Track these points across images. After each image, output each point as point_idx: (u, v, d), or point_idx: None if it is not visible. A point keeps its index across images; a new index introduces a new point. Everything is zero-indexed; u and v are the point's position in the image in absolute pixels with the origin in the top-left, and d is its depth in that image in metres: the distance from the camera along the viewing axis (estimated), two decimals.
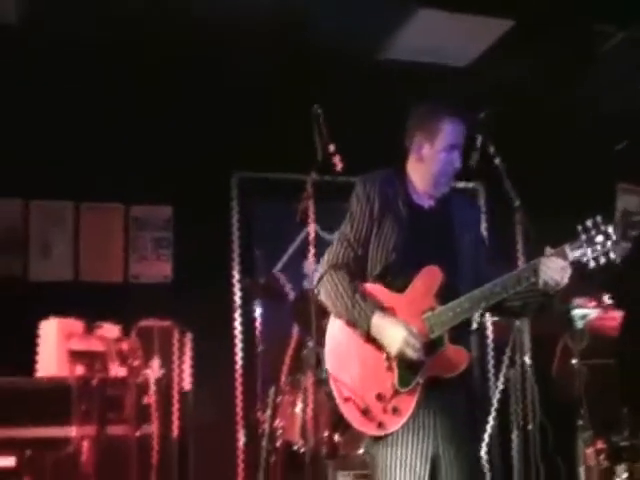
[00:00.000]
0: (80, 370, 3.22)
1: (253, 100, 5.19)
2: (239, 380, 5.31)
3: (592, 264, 2.55)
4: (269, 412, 4.10)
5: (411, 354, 2.51)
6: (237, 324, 5.37)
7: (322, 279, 2.69)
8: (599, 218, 2.56)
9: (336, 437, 4.19)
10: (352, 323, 2.59)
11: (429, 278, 2.58)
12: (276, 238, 5.50)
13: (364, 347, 2.59)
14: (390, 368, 2.55)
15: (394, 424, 2.51)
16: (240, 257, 5.45)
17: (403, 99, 5.24)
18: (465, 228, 2.74)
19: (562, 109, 5.52)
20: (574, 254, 2.55)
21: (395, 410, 2.51)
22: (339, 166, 3.51)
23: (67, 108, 5.01)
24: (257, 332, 4.87)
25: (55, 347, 3.21)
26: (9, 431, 3.12)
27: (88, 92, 4.98)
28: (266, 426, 4.23)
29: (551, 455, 4.18)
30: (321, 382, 4.20)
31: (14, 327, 4.40)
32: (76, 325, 3.32)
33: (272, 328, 4.97)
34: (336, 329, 2.66)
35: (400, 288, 2.61)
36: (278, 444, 4.26)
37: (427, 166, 2.73)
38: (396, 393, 2.52)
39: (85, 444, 3.05)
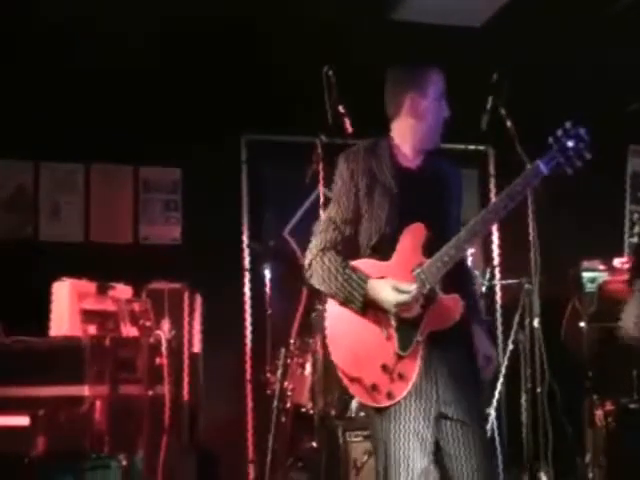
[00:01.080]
0: (93, 330, 3.24)
1: (262, 60, 5.15)
2: (248, 342, 5.34)
3: (570, 171, 2.59)
4: (279, 373, 4.13)
5: (406, 312, 2.51)
6: (246, 287, 5.39)
7: (312, 265, 2.66)
8: (568, 124, 2.60)
9: (346, 398, 4.25)
10: (347, 300, 2.57)
11: (413, 235, 2.58)
12: (285, 201, 5.49)
13: (362, 323, 2.58)
14: (389, 336, 2.55)
15: (402, 390, 2.52)
16: (249, 219, 5.45)
17: (415, 61, 5.27)
18: (449, 185, 2.76)
19: (573, 71, 5.46)
20: (548, 167, 2.58)
21: (401, 376, 2.52)
22: (349, 128, 3.50)
23: (77, 70, 4.99)
24: (266, 295, 4.88)
25: (68, 307, 3.23)
26: (23, 390, 3.15)
27: (97, 55, 4.95)
28: (276, 387, 4.26)
29: (559, 418, 4.21)
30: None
31: (25, 287, 4.44)
32: (89, 286, 3.33)
33: (281, 291, 4.99)
34: (333, 315, 2.64)
35: (389, 255, 2.60)
36: (287, 405, 4.30)
37: (426, 120, 2.71)
38: (399, 359, 2.53)
39: (98, 403, 3.07)
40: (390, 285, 2.53)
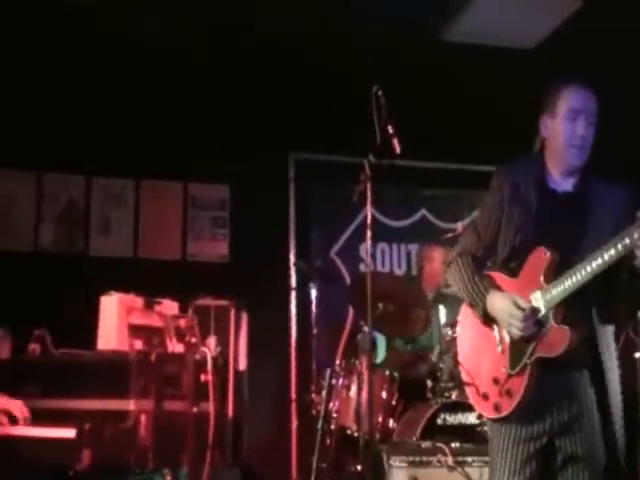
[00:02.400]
0: (139, 345, 3.25)
1: (311, 80, 5.16)
2: (293, 361, 5.32)
3: None
4: (324, 394, 4.09)
5: (515, 329, 2.56)
6: (292, 305, 5.37)
7: (450, 266, 2.80)
8: None
9: (390, 423, 4.19)
10: (472, 305, 2.70)
11: (536, 259, 2.61)
12: (333, 221, 5.49)
13: (483, 331, 2.69)
14: (503, 351, 2.62)
15: (508, 406, 2.58)
16: (296, 239, 5.45)
17: (465, 82, 5.24)
18: (606, 210, 2.69)
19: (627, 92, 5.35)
20: None
21: (508, 393, 2.58)
22: (398, 149, 3.47)
23: (130, 88, 5.07)
24: (312, 314, 4.85)
25: (115, 321, 3.24)
26: (70, 402, 3.17)
27: (150, 73, 5.02)
28: (321, 408, 4.22)
29: None
30: (375, 367, 4.21)
31: (74, 300, 4.49)
32: (136, 300, 3.35)
33: (327, 311, 4.96)
34: (463, 315, 2.80)
35: (516, 273, 2.67)
36: (332, 427, 4.25)
37: (554, 141, 2.71)
38: (509, 376, 2.59)
39: (143, 418, 3.07)
40: (509, 300, 2.59)
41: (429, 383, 4.14)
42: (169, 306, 3.47)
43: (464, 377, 2.75)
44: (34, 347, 3.51)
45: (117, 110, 5.08)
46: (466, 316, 2.79)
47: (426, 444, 3.70)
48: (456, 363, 2.88)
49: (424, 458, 3.58)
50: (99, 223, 5.26)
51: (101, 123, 5.07)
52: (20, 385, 3.32)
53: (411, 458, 3.58)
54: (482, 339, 2.69)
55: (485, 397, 2.63)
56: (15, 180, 5.18)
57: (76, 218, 5.21)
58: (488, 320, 2.66)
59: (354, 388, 4.23)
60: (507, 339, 2.61)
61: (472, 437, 3.76)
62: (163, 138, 5.12)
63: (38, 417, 3.16)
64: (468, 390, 2.71)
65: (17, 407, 3.07)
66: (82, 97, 5.04)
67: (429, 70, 5.15)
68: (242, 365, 4.54)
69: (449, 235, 4.52)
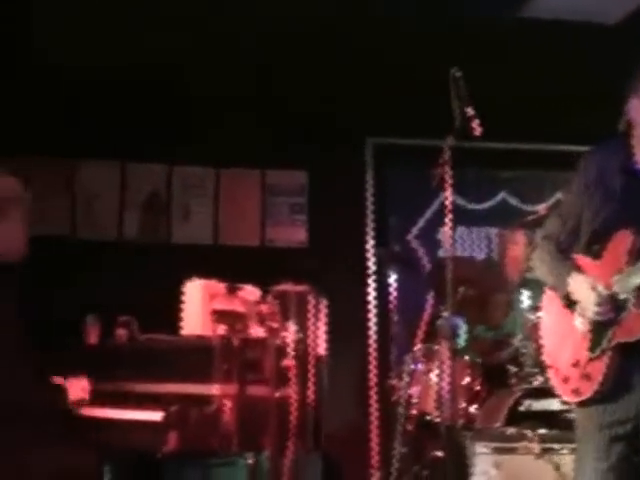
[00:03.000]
0: (222, 330, 3.28)
1: (389, 62, 5.11)
2: (373, 347, 5.31)
3: None
4: (405, 379, 4.07)
5: (593, 313, 2.55)
6: (371, 291, 5.36)
7: (534, 250, 2.82)
8: None
9: (472, 409, 4.14)
10: (554, 288, 2.71)
11: (619, 242, 2.58)
12: (410, 205, 5.44)
13: (564, 313, 2.67)
14: (584, 334, 2.60)
15: (587, 390, 2.57)
16: (374, 224, 5.43)
17: (544, 60, 5.10)
18: None
19: None
20: None
21: (588, 376, 2.56)
22: (477, 130, 3.40)
23: (204, 77, 5.12)
24: (391, 300, 4.83)
25: (199, 307, 3.29)
26: (156, 387, 3.23)
27: (221, 62, 5.07)
28: (402, 393, 4.20)
29: None
30: (456, 353, 4.16)
31: (159, 287, 4.58)
32: (219, 286, 3.39)
33: (406, 296, 4.93)
34: (546, 299, 2.80)
35: (599, 256, 2.65)
36: (413, 412, 4.23)
37: None
38: (589, 359, 2.57)
39: (226, 402, 3.11)
40: (588, 283, 2.58)
41: (512, 369, 4.07)
42: (251, 292, 3.50)
43: (545, 359, 2.74)
44: (121, 333, 3.59)
45: (195, 100, 5.15)
46: (549, 300, 2.77)
47: (511, 430, 3.64)
48: (539, 347, 2.82)
49: (509, 445, 3.53)
50: (180, 212, 5.36)
51: (180, 113, 5.15)
52: (108, 369, 3.41)
53: (496, 445, 3.53)
54: (564, 322, 2.67)
55: (565, 380, 2.62)
56: (99, 171, 5.32)
57: (158, 207, 5.33)
58: (570, 303, 2.65)
59: (435, 374, 4.20)
60: (588, 323, 2.59)
61: (558, 423, 3.68)
62: (241, 126, 5.16)
63: (125, 400, 3.24)
64: (549, 373, 2.71)
65: (79, 388, 3.12)
66: (162, 89, 5.12)
67: (508, 48, 5.04)
68: (321, 351, 4.55)
69: (531, 218, 4.42)
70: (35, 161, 5.00)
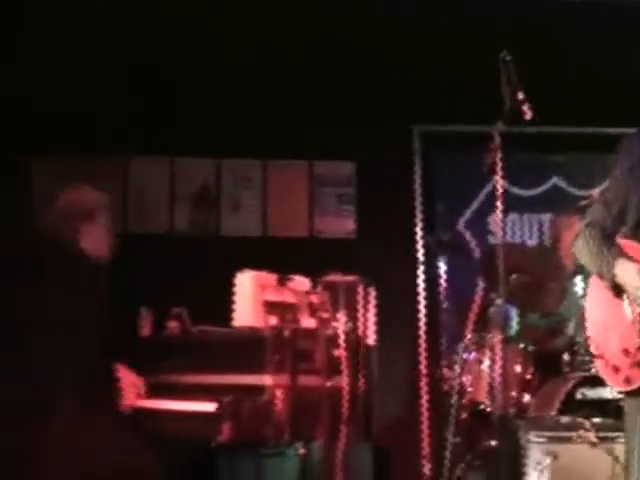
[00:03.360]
0: (273, 321, 3.31)
1: (433, 48, 5.06)
2: (423, 336, 5.28)
3: None
4: (458, 368, 4.04)
5: None
6: (420, 280, 5.33)
7: (577, 238, 2.76)
8: None
9: (525, 398, 4.10)
10: (600, 275, 2.65)
11: None
12: (459, 193, 5.38)
13: (612, 301, 2.63)
14: (634, 321, 2.56)
15: (638, 378, 2.53)
16: (423, 212, 5.38)
17: (598, 42, 5.00)
18: None
19: None
20: None
21: (639, 364, 2.52)
22: (529, 115, 3.35)
23: (251, 70, 5.14)
24: (441, 288, 4.79)
25: (251, 298, 3.31)
26: (209, 378, 3.27)
27: (268, 53, 5.08)
28: (454, 382, 4.18)
29: None
30: (508, 341, 4.12)
31: (209, 279, 4.63)
32: (269, 278, 3.40)
33: (456, 284, 4.89)
34: (592, 287, 2.75)
35: None
36: (464, 401, 4.20)
37: None
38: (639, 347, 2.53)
39: (278, 393, 3.13)
40: (636, 268, 2.54)
41: (566, 357, 4.02)
42: (301, 282, 3.51)
43: (593, 350, 2.69)
44: (173, 325, 3.63)
45: (242, 93, 5.17)
46: (595, 288, 2.72)
47: (566, 419, 3.59)
48: (587, 337, 2.77)
49: (564, 434, 3.48)
50: (230, 204, 5.40)
51: (228, 107, 5.17)
52: (161, 361, 3.46)
53: (550, 434, 3.49)
54: (612, 310, 2.62)
55: (616, 369, 2.57)
56: (150, 165, 5.40)
57: (208, 200, 5.38)
58: (618, 290, 2.59)
59: (486, 362, 4.16)
60: (637, 309, 2.54)
61: (614, 412, 3.62)
62: (286, 118, 5.17)
63: (179, 392, 3.28)
64: (597, 363, 2.66)
65: (134, 382, 3.19)
66: (208, 83, 5.15)
67: (557, 30, 4.94)
68: (371, 341, 4.54)
69: (585, 202, 4.33)
70: (88, 160, 5.10)
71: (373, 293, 4.61)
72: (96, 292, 3.06)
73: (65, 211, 3.22)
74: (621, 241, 2.65)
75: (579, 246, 2.73)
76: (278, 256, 4.74)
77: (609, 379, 2.63)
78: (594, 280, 2.72)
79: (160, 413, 3.21)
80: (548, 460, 3.57)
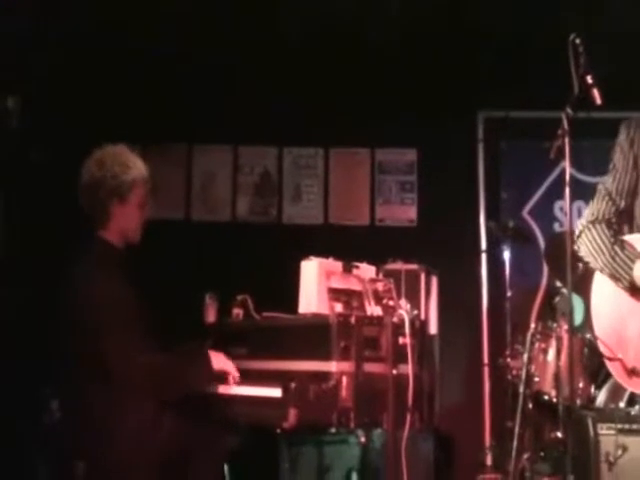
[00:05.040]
0: (339, 308, 3.30)
1: (498, 32, 4.99)
2: (485, 325, 5.23)
3: None
4: (525, 357, 3.99)
5: None
6: (483, 268, 5.28)
7: (581, 235, 2.64)
8: None
9: (592, 389, 4.02)
10: (614, 277, 2.52)
11: None
12: (524, 180, 5.32)
13: (628, 302, 2.53)
14: None
15: None
16: (486, 200, 5.34)
17: None
18: None
19: None
20: None
21: None
22: (598, 100, 3.26)
23: (313, 59, 5.15)
24: (505, 276, 4.73)
25: (316, 285, 3.30)
26: (276, 364, 3.28)
27: (334, 43, 5.06)
28: (518, 372, 4.13)
29: None
30: (575, 331, 4.04)
31: (270, 266, 4.67)
32: (335, 265, 3.40)
33: (520, 272, 4.83)
34: (600, 286, 2.61)
35: None
36: (528, 391, 4.15)
37: None
38: None
39: (344, 379, 3.13)
40: None
41: None
42: (366, 270, 3.50)
43: (605, 352, 2.58)
44: (237, 312, 3.66)
45: (304, 80, 5.18)
46: (603, 286, 2.60)
47: (636, 411, 3.50)
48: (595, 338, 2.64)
49: (634, 426, 3.39)
50: (291, 192, 5.42)
51: (289, 96, 5.19)
52: (227, 347, 3.49)
53: (620, 426, 3.38)
54: (628, 310, 2.52)
55: (634, 372, 2.50)
56: (213, 154, 5.45)
57: (270, 188, 5.41)
58: (636, 291, 2.48)
59: (552, 352, 4.10)
60: None
61: None
62: (349, 105, 5.16)
63: (245, 377, 3.31)
64: (611, 366, 2.56)
65: (231, 367, 3.23)
66: (269, 76, 5.18)
67: (629, 13, 4.81)
68: (433, 329, 4.52)
69: None
70: (151, 149, 5.17)
71: (435, 281, 4.59)
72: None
73: (96, 184, 3.00)
74: (629, 236, 2.55)
75: (584, 245, 2.61)
76: (339, 244, 4.75)
77: (627, 383, 2.57)
78: (601, 278, 2.59)
79: (227, 398, 3.24)
80: (618, 452, 3.50)
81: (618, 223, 2.60)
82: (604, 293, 2.59)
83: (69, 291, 3.00)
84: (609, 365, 2.58)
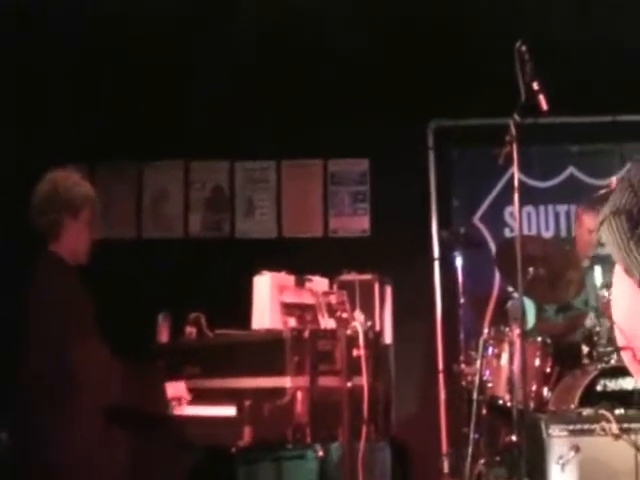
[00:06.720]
0: (292, 322, 3.29)
1: (445, 42, 5.04)
2: (439, 332, 5.27)
3: None
4: (478, 363, 4.02)
5: None
6: (436, 276, 5.31)
7: (603, 224, 2.69)
8: None
9: (545, 391, 4.07)
10: (626, 271, 2.61)
11: None
12: (474, 186, 5.39)
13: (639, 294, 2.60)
14: None
15: None
16: (438, 208, 5.38)
17: (613, 30, 4.94)
18: None
19: None
20: None
21: None
22: (544, 106, 3.31)
23: (261, 74, 5.14)
24: (458, 283, 4.77)
25: (269, 300, 3.30)
26: (230, 382, 3.26)
27: (285, 55, 5.07)
28: (472, 378, 4.16)
29: None
30: (526, 334, 4.10)
31: (226, 283, 4.63)
32: (287, 279, 3.39)
33: (472, 279, 4.87)
34: (618, 277, 2.71)
35: None
36: (483, 397, 4.18)
37: None
38: None
39: (299, 394, 3.12)
40: None
41: (585, 348, 3.98)
42: (319, 282, 3.50)
43: (619, 341, 2.67)
44: (190, 330, 3.62)
45: (254, 93, 5.18)
46: (622, 277, 2.69)
47: (587, 411, 3.56)
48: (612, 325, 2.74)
49: (586, 426, 3.44)
50: (244, 206, 5.40)
51: (240, 109, 5.17)
52: (180, 367, 3.45)
53: (572, 427, 3.45)
54: (638, 305, 2.61)
55: None
56: (164, 170, 5.40)
57: (222, 202, 5.38)
58: None
59: (505, 357, 4.15)
60: None
61: (635, 403, 3.59)
62: (300, 117, 5.17)
63: (199, 396, 3.27)
64: (624, 354, 2.65)
65: (182, 391, 3.20)
66: (225, 89, 5.15)
67: (572, 22, 4.91)
68: (388, 339, 4.53)
69: (602, 192, 4.29)
70: (100, 166, 5.13)
71: (389, 290, 4.61)
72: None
73: (48, 199, 3.00)
74: None
75: (605, 234, 2.68)
76: (294, 257, 4.74)
77: (636, 371, 2.63)
78: (620, 270, 2.68)
79: (181, 420, 3.21)
80: (571, 454, 3.55)
81: (638, 214, 2.65)
82: (623, 285, 2.67)
83: (26, 306, 2.95)
84: (622, 351, 2.67)
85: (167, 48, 4.99)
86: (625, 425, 3.39)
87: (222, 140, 5.20)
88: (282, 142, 5.24)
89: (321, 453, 3.32)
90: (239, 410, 3.06)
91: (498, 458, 4.20)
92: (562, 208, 5.41)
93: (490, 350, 4.23)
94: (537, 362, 4.11)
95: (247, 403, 3.06)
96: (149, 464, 3.00)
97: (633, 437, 3.37)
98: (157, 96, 5.15)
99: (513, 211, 3.45)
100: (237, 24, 4.99)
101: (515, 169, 3.32)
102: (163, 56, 5.01)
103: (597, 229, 2.73)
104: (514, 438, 3.79)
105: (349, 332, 3.26)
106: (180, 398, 3.16)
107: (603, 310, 3.93)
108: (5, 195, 4.61)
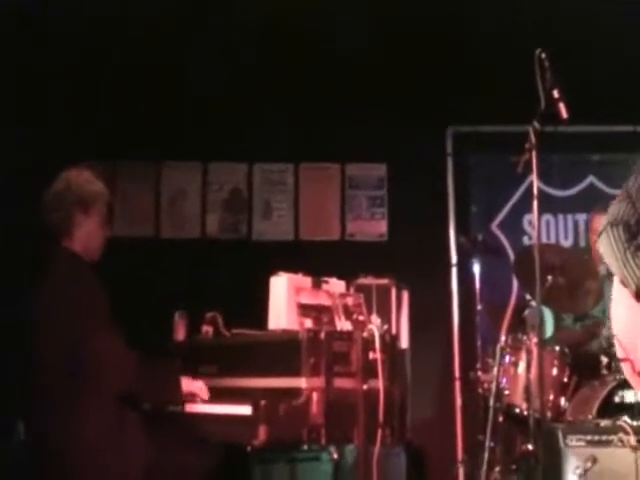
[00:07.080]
0: (309, 324, 3.30)
1: (466, 49, 5.04)
2: (456, 339, 5.25)
3: None
4: (495, 371, 4.00)
5: None
6: (453, 282, 5.29)
7: (601, 235, 2.70)
8: None
9: (562, 401, 4.04)
10: (623, 282, 2.60)
11: None
12: (493, 194, 5.37)
13: (637, 306, 2.59)
14: None
15: None
16: (456, 214, 5.37)
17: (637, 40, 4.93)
18: None
19: None
20: None
21: None
22: (564, 114, 3.30)
23: (287, 75, 5.15)
24: (475, 290, 4.75)
25: (285, 301, 3.30)
26: (246, 381, 3.27)
27: (306, 58, 5.08)
28: (489, 386, 4.13)
29: None
30: (544, 343, 4.07)
31: (241, 284, 4.64)
32: (304, 280, 3.40)
33: (490, 286, 4.84)
34: (617, 290, 2.71)
35: None
36: (499, 405, 4.16)
37: None
38: None
39: (314, 395, 3.12)
40: None
41: (603, 359, 3.95)
42: (336, 285, 3.50)
43: (619, 353, 2.64)
44: (207, 329, 3.64)
45: (273, 96, 5.19)
46: (620, 289, 2.67)
47: (605, 422, 3.53)
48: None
49: (604, 437, 3.40)
50: (261, 208, 5.41)
51: (261, 112, 5.19)
52: (196, 365, 3.46)
53: (589, 437, 3.41)
54: (637, 317, 2.59)
55: None
56: (182, 171, 5.43)
57: (240, 204, 5.39)
58: None
59: (522, 365, 4.11)
60: None
61: None
62: (319, 121, 5.17)
63: (215, 395, 3.28)
64: (624, 367, 2.63)
65: (199, 388, 3.20)
66: (242, 90, 5.17)
67: (595, 29, 4.89)
68: (404, 343, 4.52)
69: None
70: (120, 165, 5.16)
71: (406, 295, 4.59)
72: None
73: (60, 196, 3.01)
74: None
75: (603, 245, 2.67)
76: (310, 260, 4.74)
77: (635, 383, 2.60)
78: (618, 284, 2.67)
79: (197, 417, 3.21)
80: (588, 464, 3.51)
81: (637, 225, 2.64)
82: (622, 296, 2.66)
83: (43, 298, 2.96)
84: (622, 362, 2.66)
85: (180, 49, 5.02)
86: None
87: (240, 142, 5.22)
88: (300, 145, 5.25)
89: (336, 455, 3.31)
90: (254, 409, 3.07)
91: (514, 466, 4.17)
92: (581, 217, 5.39)
93: (507, 358, 4.19)
94: (555, 371, 4.07)
95: (262, 403, 3.06)
96: (165, 460, 3.00)
97: None
98: (177, 97, 5.17)
99: (532, 219, 3.43)
100: (252, 24, 5.00)
101: (534, 177, 3.31)
102: (182, 57, 5.04)
103: (596, 240, 2.74)
104: (530, 447, 3.76)
105: (365, 334, 3.26)
106: (195, 394, 3.17)
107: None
108: (24, 195, 4.65)
